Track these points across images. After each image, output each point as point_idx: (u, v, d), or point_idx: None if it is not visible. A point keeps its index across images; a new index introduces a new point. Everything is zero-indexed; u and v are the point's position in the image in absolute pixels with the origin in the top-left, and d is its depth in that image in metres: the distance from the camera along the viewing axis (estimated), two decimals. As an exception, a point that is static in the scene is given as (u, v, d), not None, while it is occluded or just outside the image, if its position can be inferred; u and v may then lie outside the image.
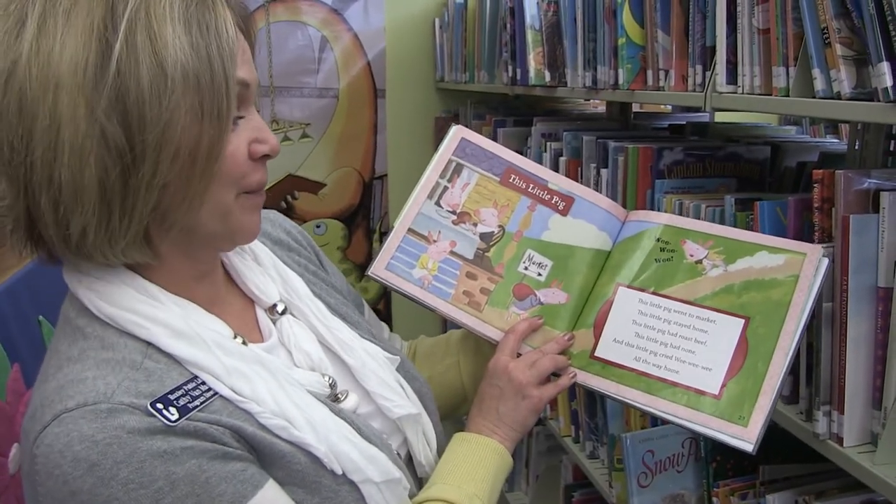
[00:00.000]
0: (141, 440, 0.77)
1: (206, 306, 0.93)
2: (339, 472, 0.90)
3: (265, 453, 0.87)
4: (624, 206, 1.70)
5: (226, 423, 0.84)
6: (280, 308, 1.02)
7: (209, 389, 0.85)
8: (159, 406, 0.80)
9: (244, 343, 0.94)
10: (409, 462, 1.05)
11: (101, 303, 0.86)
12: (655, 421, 1.71)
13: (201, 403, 0.83)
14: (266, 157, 0.90)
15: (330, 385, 0.98)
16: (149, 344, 0.85)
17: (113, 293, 0.86)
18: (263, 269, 1.04)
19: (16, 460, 1.24)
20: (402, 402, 1.04)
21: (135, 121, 0.78)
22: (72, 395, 0.79)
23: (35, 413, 0.81)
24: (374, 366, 1.04)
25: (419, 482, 1.05)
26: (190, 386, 0.84)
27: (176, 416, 0.80)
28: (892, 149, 1.39)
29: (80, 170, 0.78)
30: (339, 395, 1.00)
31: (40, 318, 1.46)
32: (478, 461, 1.04)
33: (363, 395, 1.02)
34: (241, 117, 0.87)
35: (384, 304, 3.59)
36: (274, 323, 1.01)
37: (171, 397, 0.82)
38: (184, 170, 0.81)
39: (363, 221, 3.54)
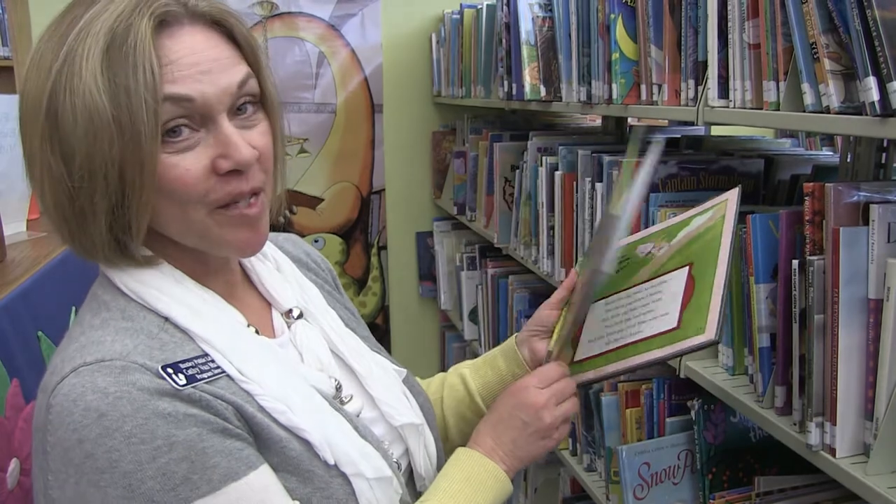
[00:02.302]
0: (149, 398, 0.82)
1: (224, 298, 0.98)
2: (332, 463, 0.92)
3: (263, 437, 0.89)
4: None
5: (229, 399, 0.87)
6: (296, 313, 1.06)
7: (217, 367, 0.90)
8: (169, 370, 0.85)
9: (257, 332, 0.98)
10: (409, 477, 1.06)
11: (127, 279, 0.92)
12: (652, 433, 1.71)
13: (208, 378, 0.88)
14: (238, 171, 0.90)
15: (336, 388, 1.01)
16: (166, 319, 0.91)
17: (141, 273, 0.93)
18: (283, 276, 1.09)
19: (14, 475, 1.24)
20: (405, 410, 1.06)
21: (67, 153, 0.85)
22: (91, 353, 0.84)
23: (55, 368, 0.86)
24: (381, 374, 1.07)
25: (417, 496, 1.05)
26: (200, 360, 0.89)
27: (184, 381, 0.85)
28: (883, 161, 1.40)
29: (42, 193, 0.89)
30: (344, 398, 1.02)
31: (39, 333, 1.46)
32: (480, 485, 1.04)
33: (368, 402, 1.05)
34: (184, 139, 0.87)
35: (382, 318, 3.60)
36: (288, 326, 1.05)
37: (182, 366, 0.87)
38: (121, 195, 0.86)
39: (361, 236, 3.55)
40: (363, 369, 1.06)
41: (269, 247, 1.12)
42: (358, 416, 1.01)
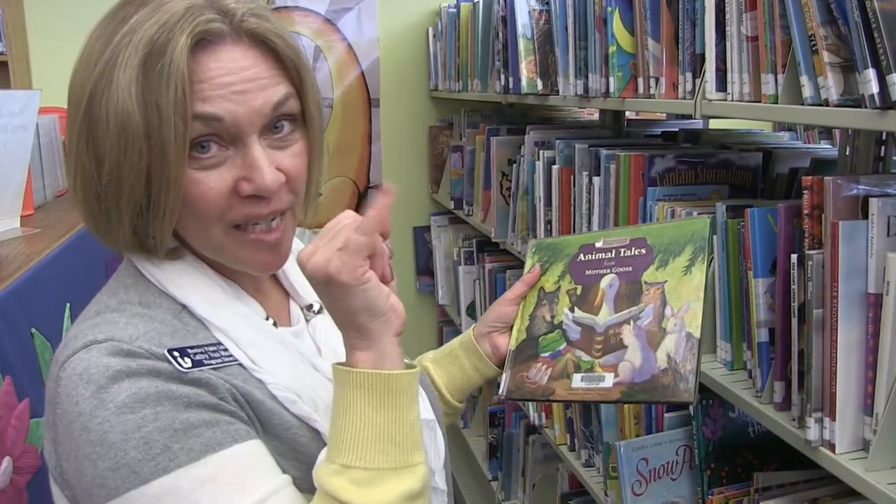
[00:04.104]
0: (146, 375, 0.83)
1: (249, 292, 0.99)
2: None
3: (273, 422, 0.89)
4: (616, 214, 1.71)
5: (235, 384, 0.87)
6: (316, 307, 1.07)
7: (230, 356, 0.90)
8: (175, 354, 0.85)
9: (274, 325, 0.99)
10: None
11: (151, 266, 0.93)
12: (650, 429, 1.71)
13: (217, 364, 0.88)
14: (258, 196, 0.89)
15: None
16: (183, 307, 0.92)
17: (165, 262, 0.93)
18: None
19: (7, 473, 1.23)
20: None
21: (99, 155, 0.86)
22: (103, 331, 0.85)
23: (68, 343, 0.87)
24: None
25: None
26: (211, 348, 0.89)
27: (189, 364, 0.85)
28: (882, 154, 1.39)
29: (74, 185, 0.91)
30: None
31: (33, 330, 1.45)
32: (343, 409, 0.87)
33: None
34: (210, 157, 0.87)
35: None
36: (308, 321, 1.06)
37: (189, 350, 0.87)
38: (145, 203, 0.87)
39: (358, 231, 3.53)
40: None
41: (295, 241, 1.12)
42: None
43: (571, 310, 1.16)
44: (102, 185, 0.86)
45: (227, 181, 0.88)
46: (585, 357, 1.09)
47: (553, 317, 1.17)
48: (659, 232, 1.16)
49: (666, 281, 1.10)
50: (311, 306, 1.08)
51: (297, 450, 0.90)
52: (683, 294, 1.06)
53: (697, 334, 1.01)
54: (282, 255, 0.96)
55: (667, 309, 1.06)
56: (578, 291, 1.17)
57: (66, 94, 0.90)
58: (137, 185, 0.85)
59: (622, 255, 1.17)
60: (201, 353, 0.88)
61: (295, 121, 0.93)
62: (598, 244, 1.20)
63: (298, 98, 0.93)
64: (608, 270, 1.17)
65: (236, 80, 0.87)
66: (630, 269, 1.14)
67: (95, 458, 0.80)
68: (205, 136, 0.86)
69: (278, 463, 0.88)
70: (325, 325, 1.06)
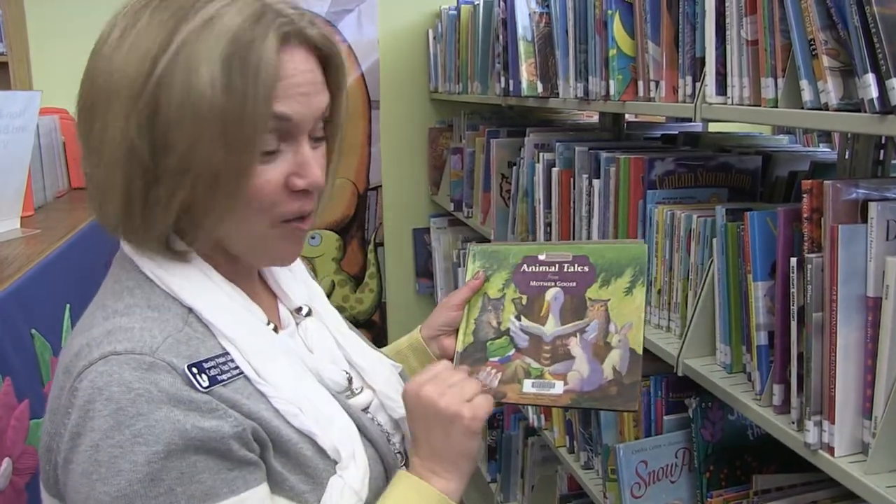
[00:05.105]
0: (167, 402, 0.82)
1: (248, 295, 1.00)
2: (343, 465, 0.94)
3: (283, 439, 0.90)
4: (616, 217, 1.72)
5: (244, 405, 0.87)
6: (304, 311, 1.09)
7: (236, 367, 0.90)
8: (194, 370, 0.85)
9: (275, 330, 1.01)
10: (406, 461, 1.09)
11: (154, 266, 0.92)
12: (649, 431, 1.71)
13: (227, 379, 0.88)
14: (307, 191, 0.93)
15: (348, 380, 1.04)
16: (190, 311, 0.91)
17: (171, 263, 0.93)
18: (293, 274, 1.12)
19: (6, 474, 1.23)
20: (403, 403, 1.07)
21: (160, 143, 0.85)
22: (120, 341, 0.84)
23: (81, 351, 0.85)
24: (382, 369, 1.11)
25: None
26: (220, 360, 0.90)
27: (206, 383, 0.85)
28: (881, 158, 1.39)
29: (110, 174, 0.87)
30: (355, 390, 1.05)
31: (32, 331, 1.45)
32: None
33: (373, 395, 1.09)
34: (272, 151, 0.90)
35: (379, 315, 3.59)
36: (297, 324, 1.07)
37: (205, 365, 0.87)
38: (204, 195, 0.87)
39: (358, 232, 3.54)
40: (366, 364, 1.09)
41: None
42: (367, 408, 1.05)
43: (518, 318, 1.19)
44: (159, 172, 0.85)
45: (279, 175, 0.91)
46: (535, 364, 1.13)
47: (500, 323, 1.20)
48: (600, 252, 1.20)
49: (609, 300, 1.15)
50: (300, 309, 1.09)
51: (304, 463, 0.91)
52: (626, 313, 1.12)
53: (640, 351, 1.08)
54: (302, 247, 1.00)
55: (611, 325, 1.12)
56: (524, 301, 1.20)
57: (72, 91, 0.89)
58: (204, 176, 0.85)
59: (566, 270, 1.21)
60: (214, 366, 0.88)
61: (324, 127, 0.97)
62: (542, 257, 1.23)
63: (331, 105, 0.97)
64: (553, 283, 1.20)
65: (303, 82, 0.90)
66: (574, 284, 1.19)
67: (97, 478, 0.80)
68: (272, 131, 0.89)
69: (286, 479, 0.90)
70: (318, 328, 1.08)
